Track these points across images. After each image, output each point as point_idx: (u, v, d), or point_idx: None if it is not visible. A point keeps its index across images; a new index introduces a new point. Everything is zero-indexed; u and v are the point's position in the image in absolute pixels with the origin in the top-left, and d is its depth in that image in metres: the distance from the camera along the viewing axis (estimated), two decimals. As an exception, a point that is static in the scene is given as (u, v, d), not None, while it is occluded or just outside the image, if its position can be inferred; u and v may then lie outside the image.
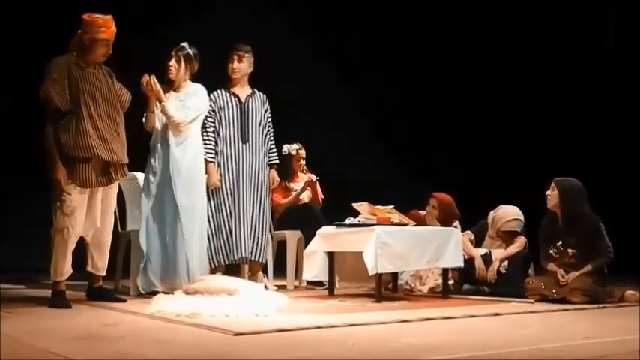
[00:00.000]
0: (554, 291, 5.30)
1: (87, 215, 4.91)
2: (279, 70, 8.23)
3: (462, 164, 9.53)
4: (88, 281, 5.16)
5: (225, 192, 5.93)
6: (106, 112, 4.92)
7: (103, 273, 5.14)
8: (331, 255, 5.65)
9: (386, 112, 9.74)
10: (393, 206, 5.69)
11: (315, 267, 5.68)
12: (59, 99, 4.75)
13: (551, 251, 5.52)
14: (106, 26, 4.87)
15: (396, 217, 5.60)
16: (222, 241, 5.87)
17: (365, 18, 9.50)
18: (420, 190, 6.66)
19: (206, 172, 5.88)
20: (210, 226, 5.87)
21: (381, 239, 5.16)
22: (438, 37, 9.62)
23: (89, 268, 5.09)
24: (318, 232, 5.70)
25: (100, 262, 5.08)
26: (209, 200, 5.90)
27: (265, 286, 5.63)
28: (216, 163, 5.96)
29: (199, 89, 5.73)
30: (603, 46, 9.12)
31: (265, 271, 6.31)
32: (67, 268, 4.85)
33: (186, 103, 5.61)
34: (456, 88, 9.71)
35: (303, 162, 7.03)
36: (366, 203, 5.62)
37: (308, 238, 6.04)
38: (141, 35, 7.20)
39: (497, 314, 4.58)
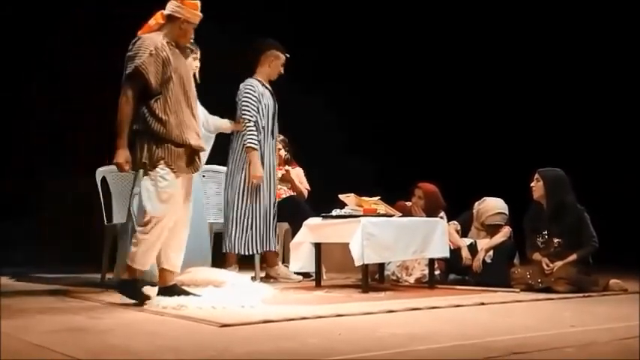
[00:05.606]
0: (539, 280, 5.34)
1: None
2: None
3: (447, 154, 9.57)
4: (160, 280, 4.59)
5: (262, 186, 5.98)
6: (190, 95, 4.54)
7: (178, 270, 4.65)
8: (318, 246, 5.66)
9: (373, 103, 9.75)
10: (379, 197, 5.71)
11: (301, 258, 5.70)
12: (154, 75, 4.35)
13: (536, 241, 5.55)
14: (198, 10, 4.54)
15: (382, 208, 5.62)
16: (256, 232, 5.96)
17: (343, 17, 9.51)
18: (406, 180, 6.67)
19: (249, 161, 5.90)
20: (246, 217, 5.93)
21: (367, 230, 5.18)
22: (431, 35, 9.64)
23: (164, 265, 4.55)
24: (304, 223, 5.72)
25: (177, 259, 4.56)
26: (246, 191, 5.94)
27: (252, 278, 5.63)
28: (259, 154, 5.94)
29: None
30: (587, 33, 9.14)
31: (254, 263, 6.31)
32: (153, 260, 4.48)
33: None
34: (441, 79, 9.73)
35: (282, 151, 6.78)
36: (352, 194, 5.63)
37: (295, 229, 6.05)
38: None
39: (482, 304, 4.62)
